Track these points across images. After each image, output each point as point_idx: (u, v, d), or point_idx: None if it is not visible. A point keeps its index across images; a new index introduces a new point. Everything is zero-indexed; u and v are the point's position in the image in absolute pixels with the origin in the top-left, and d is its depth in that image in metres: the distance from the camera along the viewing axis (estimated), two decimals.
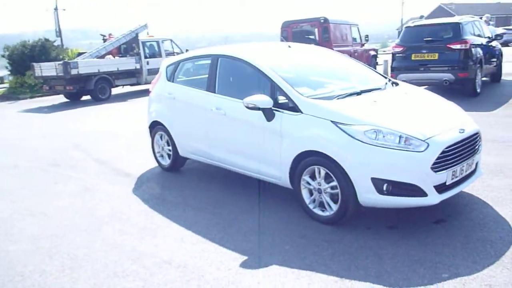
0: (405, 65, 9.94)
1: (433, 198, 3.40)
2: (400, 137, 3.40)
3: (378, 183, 3.39)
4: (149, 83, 17.35)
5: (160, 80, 5.67)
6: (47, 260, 3.54)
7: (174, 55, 17.64)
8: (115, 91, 16.29)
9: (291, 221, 3.91)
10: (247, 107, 4.02)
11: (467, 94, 9.46)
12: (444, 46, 9.38)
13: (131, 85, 16.79)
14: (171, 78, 5.49)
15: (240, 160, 4.48)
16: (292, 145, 3.85)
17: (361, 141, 3.43)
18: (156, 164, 5.97)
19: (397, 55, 10.13)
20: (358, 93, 4.13)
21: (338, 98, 3.95)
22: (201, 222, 4.05)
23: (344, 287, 2.84)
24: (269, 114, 3.99)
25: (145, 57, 16.51)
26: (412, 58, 9.80)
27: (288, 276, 3.02)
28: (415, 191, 3.37)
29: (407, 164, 3.35)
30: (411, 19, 55.87)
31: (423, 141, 3.37)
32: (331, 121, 3.61)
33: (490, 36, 11.19)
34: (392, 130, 3.43)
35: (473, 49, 9.40)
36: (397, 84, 4.64)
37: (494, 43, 11.21)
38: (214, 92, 4.72)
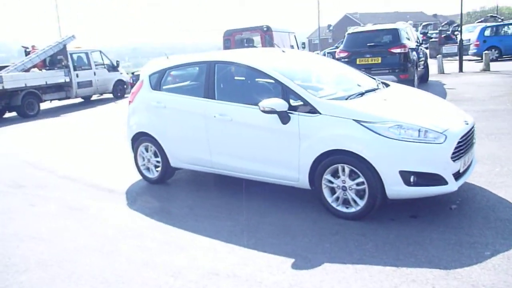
0: None
1: (453, 186, 3.67)
2: (419, 130, 3.63)
3: (405, 175, 3.59)
4: (79, 97, 16.58)
5: (142, 90, 5.43)
6: (73, 286, 3.24)
7: (103, 67, 16.91)
8: (43, 106, 15.14)
9: (315, 220, 3.97)
10: (264, 111, 4.02)
11: None
12: (386, 51, 10.11)
13: (60, 99, 15.73)
14: (156, 86, 5.29)
15: (250, 166, 4.44)
16: (313, 146, 3.92)
17: (387, 137, 3.61)
18: (138, 178, 5.69)
19: (342, 60, 10.68)
20: (362, 93, 4.32)
21: (350, 99, 4.11)
22: (224, 231, 3.96)
23: (404, 274, 2.97)
24: (285, 117, 4.03)
25: (74, 70, 15.58)
26: (357, 63, 10.39)
27: (346, 271, 3.08)
28: (438, 180, 3.62)
29: (432, 156, 3.59)
30: (319, 28, 58.75)
31: (441, 133, 3.64)
32: (354, 120, 3.75)
33: (418, 40, 12.26)
34: (412, 125, 3.65)
35: (410, 53, 10.24)
36: (387, 84, 4.93)
37: (421, 47, 12.29)
38: (214, 99, 4.64)
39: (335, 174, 3.91)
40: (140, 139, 5.45)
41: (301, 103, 4.04)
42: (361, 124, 3.71)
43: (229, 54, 4.89)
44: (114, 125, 10.83)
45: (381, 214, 3.90)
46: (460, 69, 15.10)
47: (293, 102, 4.09)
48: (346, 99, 4.10)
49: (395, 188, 3.64)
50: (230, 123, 4.48)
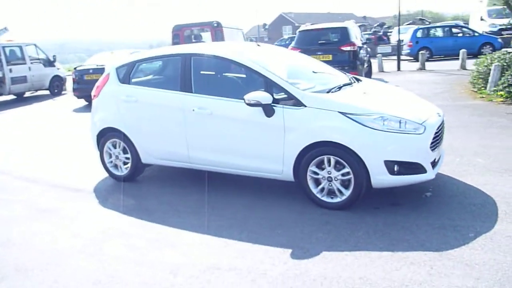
0: None
1: (431, 174, 3.90)
2: (400, 122, 3.81)
3: (390, 165, 3.75)
4: (13, 93, 15.43)
5: (109, 83, 5.18)
6: None
7: (39, 61, 15.86)
8: None
9: (302, 212, 4.03)
10: (249, 104, 4.02)
11: None
12: (336, 48, 10.46)
13: None
14: (125, 80, 5.07)
15: (231, 159, 4.41)
16: (299, 138, 3.97)
17: (372, 128, 3.75)
18: (103, 176, 5.44)
19: None
20: (340, 87, 4.45)
21: (332, 92, 4.21)
22: (212, 226, 3.90)
23: (401, 258, 3.11)
24: (269, 110, 4.05)
25: (7, 64, 14.47)
26: None
27: (347, 258, 3.16)
28: (418, 168, 3.83)
29: (413, 146, 3.79)
30: (255, 26, 59.45)
31: (420, 124, 3.85)
32: (339, 112, 3.86)
33: (362, 39, 12.81)
34: (394, 116, 3.83)
35: (358, 51, 10.67)
36: (359, 79, 5.11)
37: (365, 46, 12.85)
38: (191, 92, 4.55)
39: (319, 166, 4.00)
40: (107, 135, 5.21)
41: (285, 96, 4.07)
42: (347, 116, 3.82)
43: (206, 47, 4.82)
44: (57, 122, 10.27)
45: (365, 203, 4.04)
46: (398, 68, 15.98)
47: (276, 95, 4.12)
48: (328, 92, 4.20)
49: (380, 177, 3.79)
50: (209, 117, 4.41)
